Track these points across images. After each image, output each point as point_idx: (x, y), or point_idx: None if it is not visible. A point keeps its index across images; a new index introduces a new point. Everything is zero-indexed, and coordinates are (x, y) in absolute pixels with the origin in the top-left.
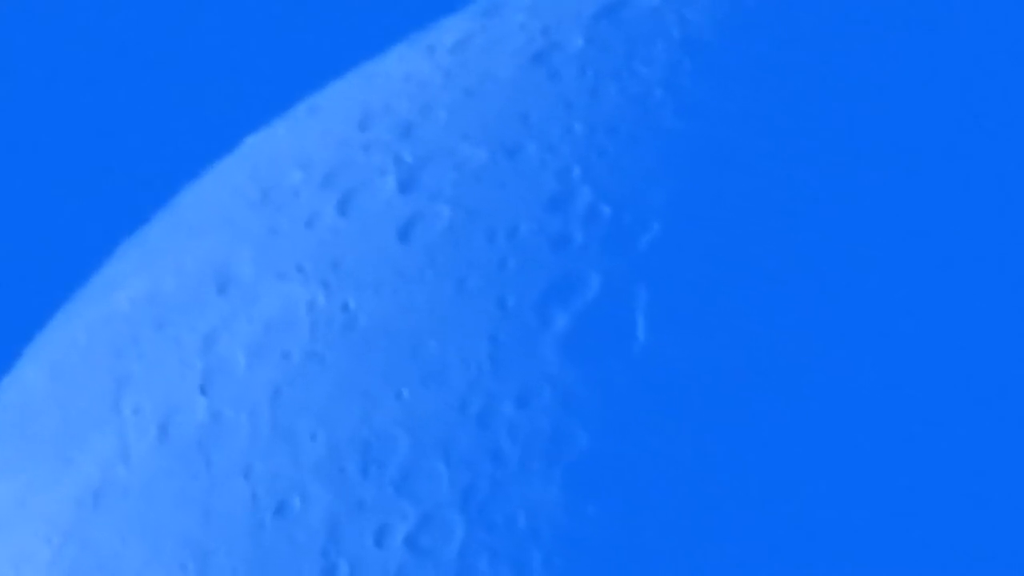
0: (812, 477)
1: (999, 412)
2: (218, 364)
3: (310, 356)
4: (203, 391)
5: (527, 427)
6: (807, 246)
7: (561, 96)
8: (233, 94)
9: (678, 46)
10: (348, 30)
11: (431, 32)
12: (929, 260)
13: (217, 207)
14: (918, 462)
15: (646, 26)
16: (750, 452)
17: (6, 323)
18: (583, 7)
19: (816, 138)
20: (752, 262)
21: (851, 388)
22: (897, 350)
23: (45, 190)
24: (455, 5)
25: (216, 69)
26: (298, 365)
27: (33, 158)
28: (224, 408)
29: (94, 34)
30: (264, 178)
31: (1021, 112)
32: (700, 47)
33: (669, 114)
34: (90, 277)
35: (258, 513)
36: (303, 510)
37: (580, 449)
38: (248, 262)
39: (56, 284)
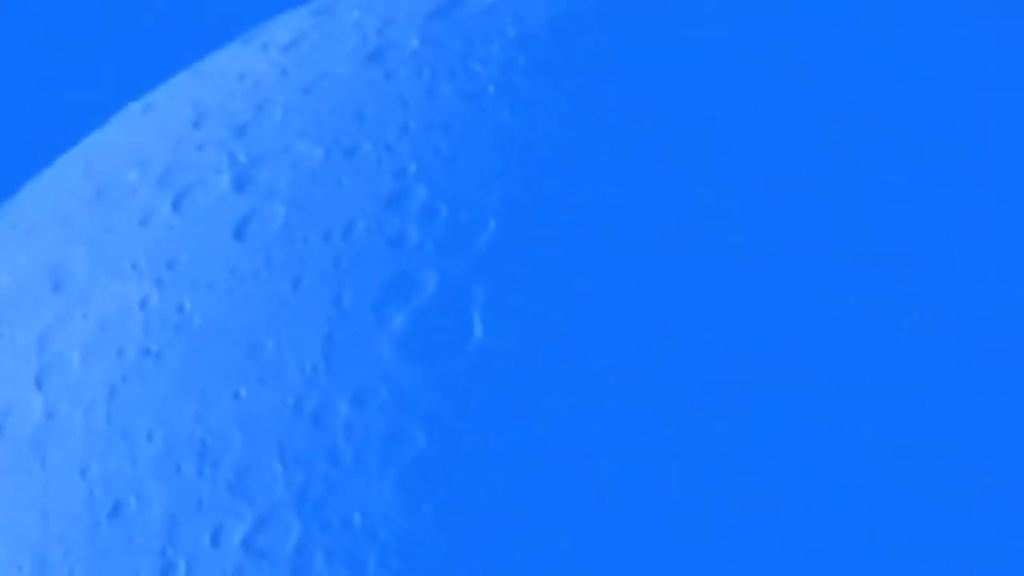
0: (648, 475)
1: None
2: (53, 362)
3: (145, 355)
4: (38, 389)
5: (363, 426)
6: (643, 242)
7: (397, 95)
8: (68, 93)
9: (513, 44)
10: (182, 28)
11: (265, 30)
12: (773, 254)
13: (52, 206)
14: (755, 459)
15: (481, 25)
16: (587, 450)
17: None
18: (418, 6)
19: (652, 134)
20: (589, 260)
21: (688, 382)
22: (722, 351)
23: None
24: (288, 3)
25: (50, 69)
26: (133, 364)
27: None
28: (59, 406)
29: None
30: (99, 177)
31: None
32: (535, 45)
33: (504, 112)
34: None
35: (95, 512)
36: (140, 509)
37: (416, 448)
38: (83, 260)
39: None
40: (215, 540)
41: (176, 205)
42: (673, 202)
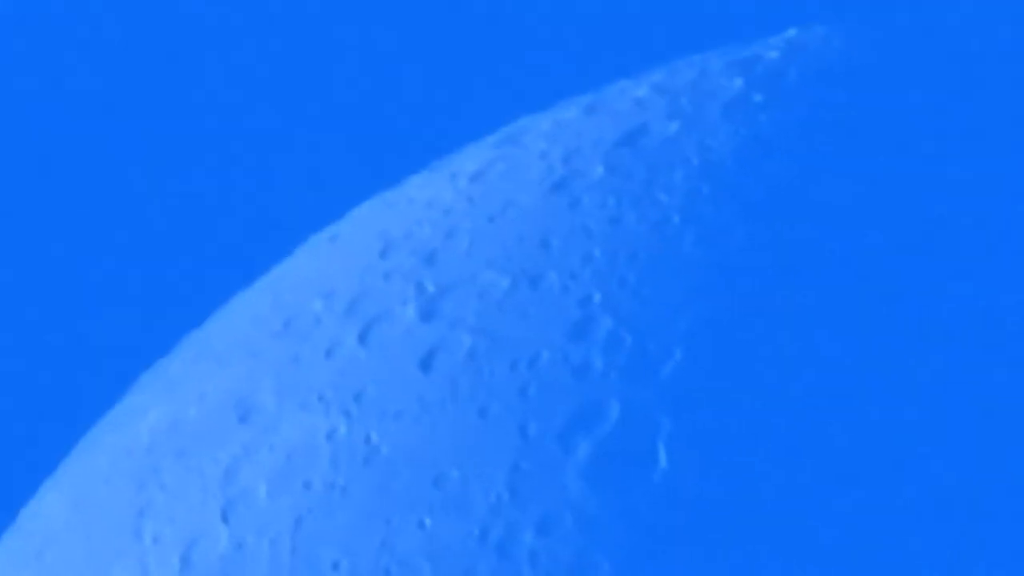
0: None
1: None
2: (240, 494)
3: (332, 486)
4: (225, 520)
5: (549, 556)
6: (828, 372)
7: (582, 223)
8: (256, 225)
9: (697, 173)
10: (368, 159)
11: (452, 159)
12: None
13: (239, 336)
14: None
15: (665, 154)
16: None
17: (30, 450)
18: (603, 135)
19: (837, 264)
20: (775, 392)
21: (873, 524)
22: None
23: (60, 316)
24: (475, 134)
25: (240, 199)
26: (320, 495)
27: (45, 286)
28: (246, 537)
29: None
30: (286, 307)
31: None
32: (719, 174)
33: (689, 241)
34: (113, 405)
35: None
36: None
37: None
38: (270, 391)
39: (80, 412)
40: None
41: (362, 336)
42: (855, 331)
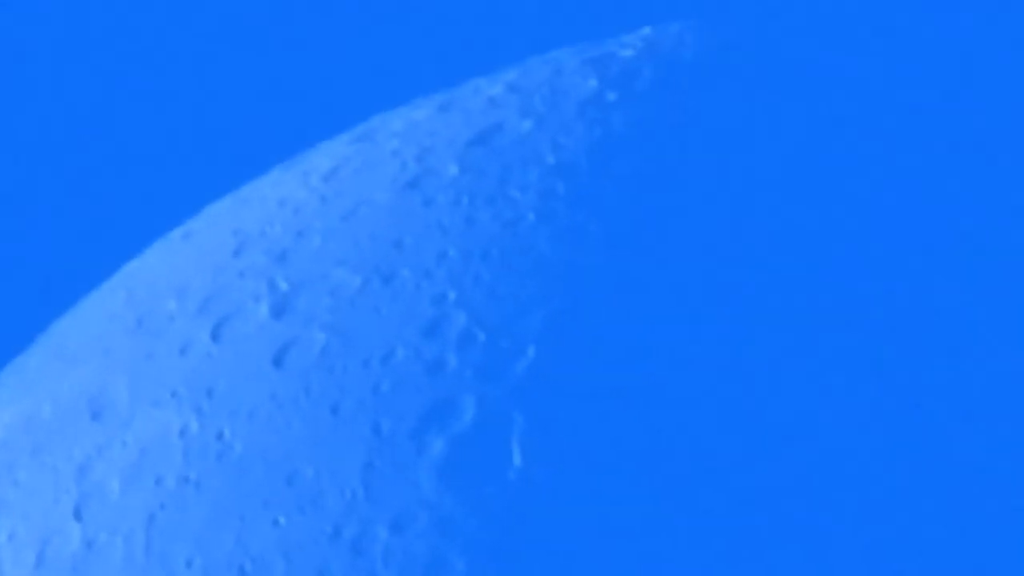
0: None
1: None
2: (93, 490)
3: (185, 482)
4: (78, 517)
5: (403, 554)
6: (681, 368)
7: (435, 222)
8: (109, 223)
9: (551, 172)
10: (222, 154)
11: (306, 157)
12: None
13: (93, 334)
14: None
15: (519, 152)
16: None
17: None
18: (457, 133)
19: (690, 261)
20: (626, 386)
21: (730, 524)
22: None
23: None
24: (329, 132)
25: (92, 196)
26: (173, 491)
27: None
28: (99, 534)
29: None
30: (139, 305)
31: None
32: (573, 173)
33: (543, 240)
34: None
35: None
36: None
37: (456, 575)
38: (123, 389)
39: None
40: None
41: (215, 333)
42: (715, 327)
